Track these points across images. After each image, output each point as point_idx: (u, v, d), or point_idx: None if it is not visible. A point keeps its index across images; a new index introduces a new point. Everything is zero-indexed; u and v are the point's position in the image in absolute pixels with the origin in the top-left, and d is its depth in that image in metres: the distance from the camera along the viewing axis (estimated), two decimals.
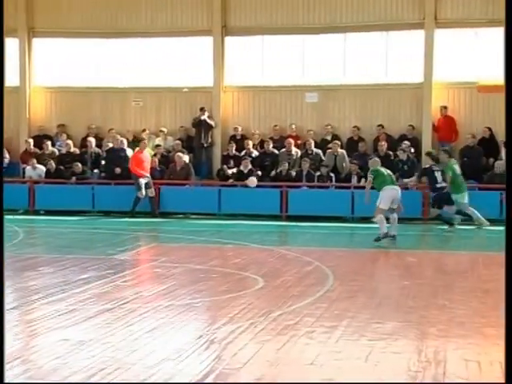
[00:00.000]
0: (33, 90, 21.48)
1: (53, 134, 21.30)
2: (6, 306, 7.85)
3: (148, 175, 18.23)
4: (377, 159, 15.83)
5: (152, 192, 18.19)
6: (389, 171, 14.40)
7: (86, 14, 20.97)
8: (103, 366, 5.74)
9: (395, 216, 13.66)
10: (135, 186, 17.98)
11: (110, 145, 19.92)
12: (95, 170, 19.75)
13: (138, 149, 18.66)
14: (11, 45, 21.16)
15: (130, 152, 19.50)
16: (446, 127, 19.37)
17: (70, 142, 20.40)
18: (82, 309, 7.78)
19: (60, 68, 21.48)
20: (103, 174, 19.63)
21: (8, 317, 7.41)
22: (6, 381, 5.31)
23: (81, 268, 10.53)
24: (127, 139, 20.29)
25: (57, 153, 20.20)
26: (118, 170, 19.14)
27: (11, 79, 21.10)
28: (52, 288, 8.91)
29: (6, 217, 17.37)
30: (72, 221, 17.42)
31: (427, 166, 16.59)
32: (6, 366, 5.66)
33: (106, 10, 20.90)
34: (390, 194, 13.59)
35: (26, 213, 18.73)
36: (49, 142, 20.39)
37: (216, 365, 5.90)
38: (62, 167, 19.48)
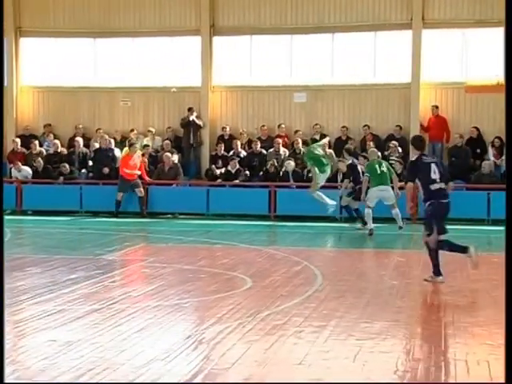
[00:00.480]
0: (20, 90, 21.40)
1: (39, 133, 21.22)
2: None
3: (136, 177, 18.18)
4: (375, 150, 16.05)
5: (141, 192, 18.17)
6: (383, 167, 14.83)
7: (74, 13, 20.92)
8: (92, 366, 5.73)
9: (395, 211, 14.97)
10: (118, 187, 18.00)
11: (98, 145, 19.87)
12: (83, 170, 19.70)
13: (127, 151, 18.54)
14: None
15: (117, 152, 19.47)
16: (438, 127, 19.44)
17: (57, 141, 20.34)
18: (70, 309, 7.75)
19: (48, 68, 21.40)
20: (91, 174, 19.59)
21: None
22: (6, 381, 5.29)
23: (69, 268, 10.49)
24: (115, 139, 20.25)
25: (44, 153, 20.13)
26: (105, 170, 19.10)
27: None
28: (40, 288, 8.88)
29: None
30: (60, 221, 17.36)
31: (350, 161, 16.40)
32: None
33: (94, 9, 20.85)
34: (375, 195, 14.97)
35: (13, 213, 18.64)
36: (36, 142, 20.32)
37: (204, 365, 5.90)
38: (49, 167, 19.41)
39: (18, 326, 7.22)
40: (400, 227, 15.12)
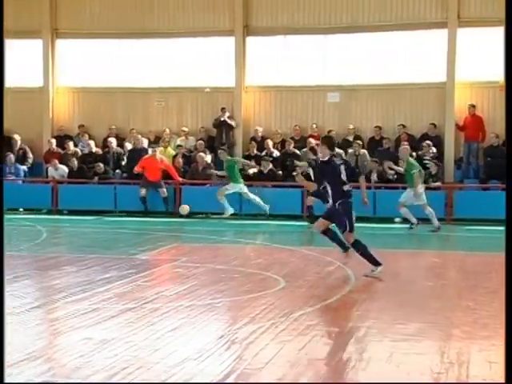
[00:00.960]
0: (56, 91, 21.62)
1: (74, 134, 21.42)
2: (30, 305, 7.93)
3: (159, 178, 18.16)
4: (407, 147, 16.12)
5: (164, 192, 18.26)
6: (415, 168, 14.94)
7: (109, 14, 21.08)
8: (125, 364, 5.75)
9: (428, 211, 15.21)
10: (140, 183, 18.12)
11: (131, 145, 20.01)
12: (117, 170, 19.85)
13: (161, 151, 18.61)
14: (35, 46, 21.34)
15: (151, 152, 19.59)
16: (474, 126, 19.22)
17: (91, 142, 20.54)
18: (104, 308, 7.81)
19: (83, 68, 21.60)
20: (125, 174, 19.72)
21: (31, 315, 7.47)
22: (22, 380, 5.35)
23: (103, 267, 10.57)
24: (149, 139, 20.37)
25: (79, 153, 20.33)
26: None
27: (35, 80, 21.29)
28: (75, 287, 8.96)
29: (30, 216, 17.42)
30: (94, 220, 17.52)
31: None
32: (30, 364, 5.71)
33: (128, 10, 20.98)
34: (405, 195, 15.48)
35: (49, 212, 18.86)
36: (71, 143, 20.52)
37: (237, 365, 5.89)
38: (84, 167, 19.59)
39: (54, 325, 7.30)
40: (434, 229, 15.21)
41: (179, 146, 20.02)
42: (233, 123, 20.34)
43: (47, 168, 19.99)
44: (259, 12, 20.48)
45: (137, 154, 19.50)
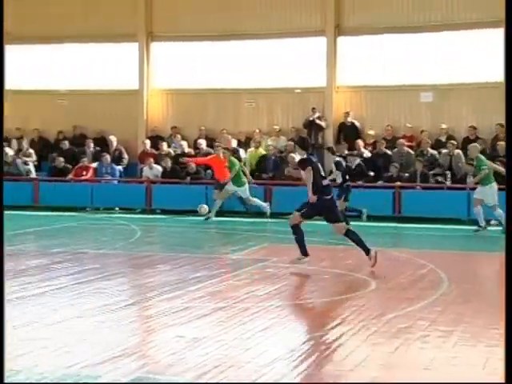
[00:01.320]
0: (151, 93, 22.09)
1: (166, 135, 21.83)
2: (124, 303, 8.13)
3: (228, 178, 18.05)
4: (476, 145, 15.94)
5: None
6: (484, 164, 14.77)
7: (201, 17, 21.36)
8: (217, 363, 5.82)
9: (498, 213, 14.86)
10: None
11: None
12: (208, 171, 20.09)
13: (218, 152, 18.46)
14: (131, 49, 21.88)
15: (242, 153, 19.74)
16: None
17: (184, 142, 20.89)
18: (196, 306, 7.93)
19: (176, 71, 21.99)
20: None
21: (125, 313, 7.66)
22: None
23: (194, 266, 10.74)
24: (239, 140, 20.55)
25: (172, 153, 20.71)
26: None
27: (131, 82, 21.83)
28: (167, 285, 9.13)
29: (125, 216, 17.78)
30: (186, 220, 17.79)
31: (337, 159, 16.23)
32: (125, 360, 5.85)
33: (219, 12, 21.21)
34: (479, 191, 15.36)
35: (143, 212, 19.29)
36: (164, 143, 20.92)
37: (327, 366, 5.88)
38: (177, 167, 19.94)
39: (147, 322, 7.47)
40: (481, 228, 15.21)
41: (269, 146, 20.10)
42: (322, 123, 20.28)
43: (141, 168, 20.45)
44: (350, 12, 20.34)
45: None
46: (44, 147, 22.13)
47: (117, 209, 19.56)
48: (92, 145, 21.44)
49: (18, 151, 21.57)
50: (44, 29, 22.06)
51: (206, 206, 17.88)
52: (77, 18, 21.91)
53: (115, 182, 20.65)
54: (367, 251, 10.32)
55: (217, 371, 5.62)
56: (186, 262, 10.91)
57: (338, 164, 15.83)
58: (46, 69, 22.75)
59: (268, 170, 19.65)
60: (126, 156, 21.18)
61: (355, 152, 19.37)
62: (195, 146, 21.01)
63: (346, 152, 19.40)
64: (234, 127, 21.24)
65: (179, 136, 21.33)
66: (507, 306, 4.56)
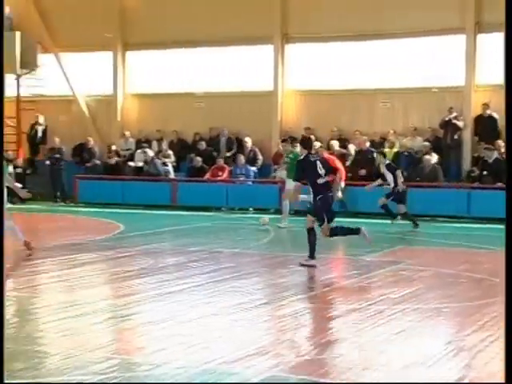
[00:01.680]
0: (285, 94, 22.24)
1: (299, 136, 21.82)
2: (259, 301, 8.23)
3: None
4: None
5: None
6: None
7: (334, 18, 21.24)
8: (350, 365, 5.78)
9: None
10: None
11: (355, 146, 20.07)
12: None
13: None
14: (266, 51, 22.12)
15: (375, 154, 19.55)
16: None
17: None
18: (330, 308, 7.91)
19: (310, 71, 22.02)
20: (350, 175, 19.76)
21: (259, 312, 7.75)
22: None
23: (327, 268, 10.72)
24: (373, 140, 20.31)
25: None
26: (362, 172, 19.23)
27: (265, 84, 22.09)
28: (301, 286, 9.16)
29: (259, 216, 17.79)
30: None
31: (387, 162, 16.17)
32: (259, 358, 5.91)
33: (353, 12, 20.98)
34: None
35: (276, 212, 19.41)
36: (297, 144, 20.96)
37: (466, 373, 5.70)
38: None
39: (281, 321, 7.50)
40: None
41: (402, 146, 19.77)
42: (459, 124, 19.71)
43: (275, 169, 20.62)
44: (491, 8, 19.61)
45: (362, 155, 19.54)
46: (182, 148, 22.77)
47: (251, 209, 19.83)
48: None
49: (158, 152, 22.30)
50: (181, 33, 22.67)
51: (266, 219, 16.64)
52: (213, 21, 22.39)
53: (249, 182, 20.94)
54: (357, 232, 10.64)
55: (351, 373, 5.57)
56: (318, 263, 10.89)
57: (389, 167, 15.91)
58: (184, 73, 23.40)
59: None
60: (260, 157, 21.43)
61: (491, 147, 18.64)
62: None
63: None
64: (369, 128, 21.01)
65: (313, 137, 21.32)
66: (507, 306, 4.40)
